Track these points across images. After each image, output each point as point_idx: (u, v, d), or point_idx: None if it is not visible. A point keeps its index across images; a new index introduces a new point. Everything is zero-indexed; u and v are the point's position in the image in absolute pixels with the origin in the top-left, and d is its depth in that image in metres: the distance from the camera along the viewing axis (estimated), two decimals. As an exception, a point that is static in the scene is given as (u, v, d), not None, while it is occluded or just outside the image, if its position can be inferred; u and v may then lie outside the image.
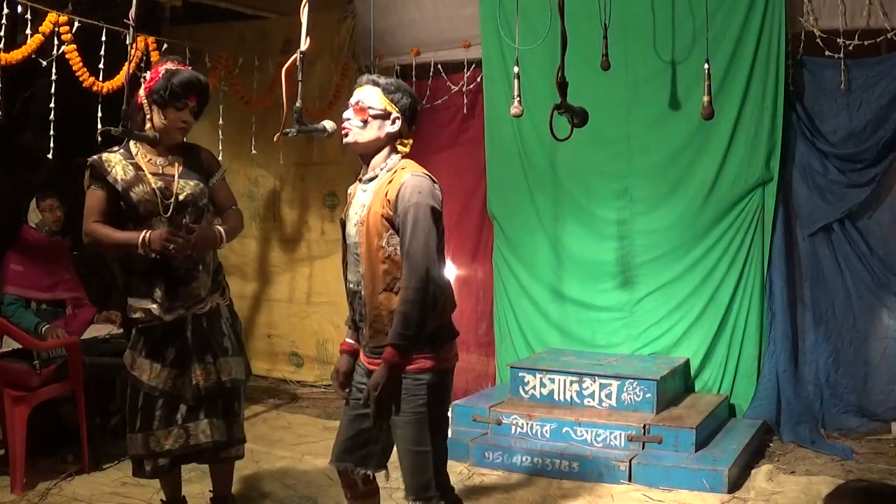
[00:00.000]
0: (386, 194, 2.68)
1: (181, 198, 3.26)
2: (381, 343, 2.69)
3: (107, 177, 3.22)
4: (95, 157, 3.26)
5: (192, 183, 3.32)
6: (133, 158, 3.26)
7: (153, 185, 3.23)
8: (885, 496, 1.58)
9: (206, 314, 3.33)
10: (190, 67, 3.41)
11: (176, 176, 3.28)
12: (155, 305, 3.22)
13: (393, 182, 2.69)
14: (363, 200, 2.78)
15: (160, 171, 3.28)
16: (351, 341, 2.97)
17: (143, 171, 3.25)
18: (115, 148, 3.31)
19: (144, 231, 3.16)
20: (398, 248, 2.67)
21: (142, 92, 3.25)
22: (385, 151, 2.79)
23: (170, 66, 3.26)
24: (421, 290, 2.58)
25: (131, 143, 3.29)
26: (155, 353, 3.25)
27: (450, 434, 4.46)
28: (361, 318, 2.80)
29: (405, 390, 2.68)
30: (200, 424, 3.28)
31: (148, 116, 3.24)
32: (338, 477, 3.06)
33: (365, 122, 2.75)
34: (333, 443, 2.96)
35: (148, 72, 4.64)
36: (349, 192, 2.95)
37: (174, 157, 3.32)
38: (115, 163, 3.24)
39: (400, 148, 2.81)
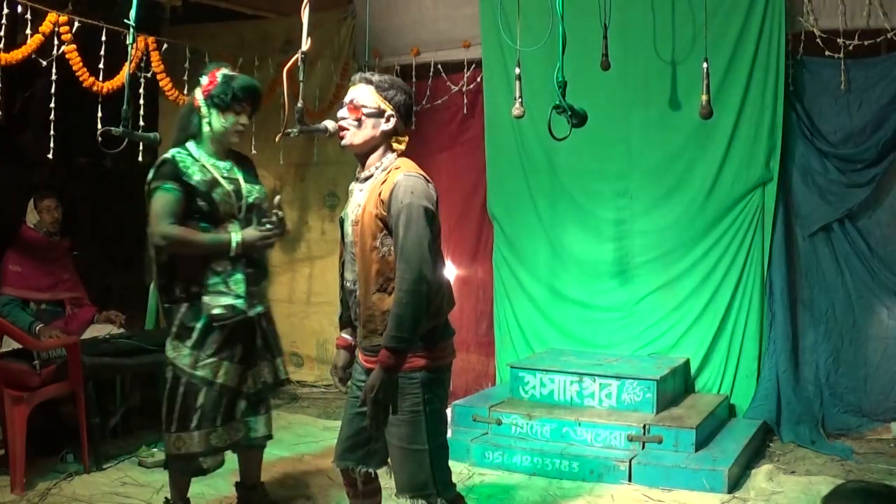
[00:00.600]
0: (380, 194, 2.67)
1: (250, 200, 3.38)
2: (375, 343, 2.69)
3: (183, 177, 3.25)
4: (168, 156, 3.28)
5: (257, 187, 3.45)
6: (198, 161, 3.31)
7: (227, 187, 3.33)
8: (883, 496, 1.58)
9: (265, 314, 3.46)
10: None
11: (241, 179, 3.39)
12: (240, 301, 3.28)
13: (387, 182, 2.68)
14: (359, 200, 2.77)
15: (226, 175, 3.36)
16: (347, 337, 3.01)
17: (214, 173, 3.32)
18: (174, 150, 3.32)
19: (235, 233, 3.27)
20: (392, 248, 2.66)
21: (199, 96, 3.33)
22: (381, 150, 2.78)
23: (225, 71, 3.34)
24: (414, 291, 2.55)
25: (191, 145, 3.34)
26: (223, 351, 3.29)
27: (450, 434, 4.48)
28: (357, 318, 2.80)
29: (399, 389, 2.66)
30: (260, 419, 3.43)
31: (206, 120, 3.32)
32: (337, 477, 3.06)
33: (359, 121, 2.73)
34: (336, 442, 2.96)
35: (148, 72, 4.70)
36: (349, 190, 2.95)
37: (231, 162, 3.42)
38: (190, 164, 3.28)
39: (395, 146, 2.79)
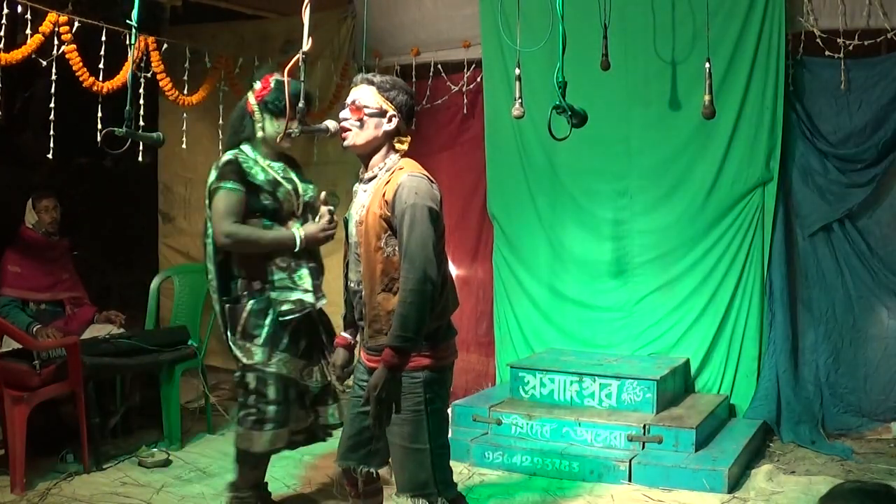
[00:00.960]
0: (383, 195, 2.68)
1: (306, 199, 3.51)
2: (380, 343, 2.70)
3: (247, 177, 3.34)
4: (231, 156, 3.37)
5: (311, 186, 3.57)
6: (258, 162, 3.40)
7: (287, 186, 3.45)
8: (880, 495, 1.58)
9: (321, 310, 3.51)
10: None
11: (296, 179, 3.51)
12: (308, 295, 3.35)
13: (390, 182, 2.69)
14: (363, 201, 2.78)
15: (282, 175, 3.46)
16: (346, 336, 3.05)
17: (273, 173, 3.42)
18: (234, 151, 3.42)
19: (297, 229, 3.39)
20: (396, 248, 2.67)
21: (252, 101, 3.43)
22: (383, 150, 2.79)
23: (278, 76, 3.37)
24: (419, 291, 2.57)
25: (246, 147, 3.42)
26: (292, 346, 3.37)
27: (450, 434, 4.48)
28: (361, 318, 2.80)
29: (404, 389, 2.68)
30: (329, 409, 3.53)
31: (260, 125, 3.42)
32: (338, 477, 3.07)
33: (361, 122, 2.74)
34: (339, 441, 2.95)
35: (148, 72, 4.70)
36: (353, 191, 2.95)
37: (283, 163, 3.51)
38: (252, 164, 3.38)
39: (398, 146, 2.80)
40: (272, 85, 3.39)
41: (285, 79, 3.14)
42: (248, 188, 3.33)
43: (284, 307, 3.33)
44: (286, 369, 3.36)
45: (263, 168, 3.41)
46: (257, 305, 3.34)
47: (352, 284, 2.84)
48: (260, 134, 3.43)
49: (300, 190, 3.50)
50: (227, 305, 3.40)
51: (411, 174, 2.69)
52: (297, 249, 3.35)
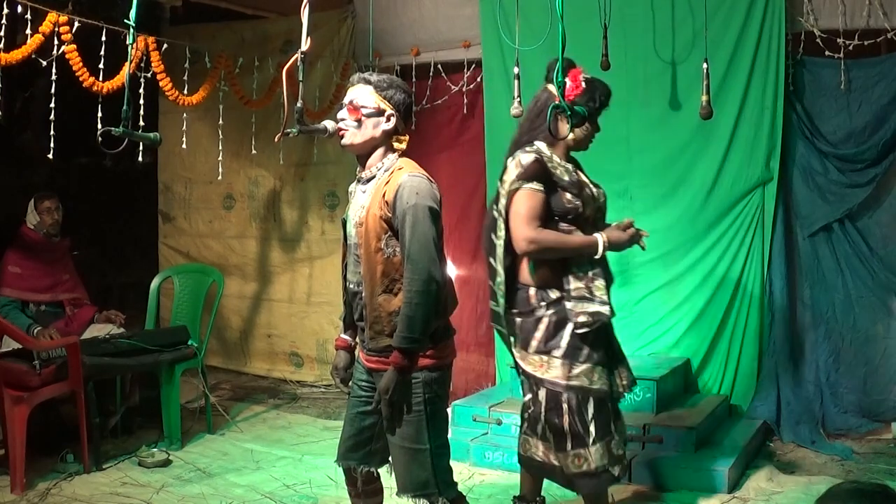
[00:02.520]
0: (384, 195, 2.67)
1: (600, 201, 3.26)
2: (382, 344, 2.70)
3: (553, 177, 3.11)
4: (535, 154, 3.10)
5: (602, 189, 3.31)
6: (552, 161, 3.14)
7: (592, 188, 3.23)
8: (877, 496, 1.58)
9: None
10: None
11: (588, 180, 3.26)
12: (605, 307, 3.11)
13: (390, 183, 2.68)
14: (362, 201, 2.77)
15: (578, 176, 3.22)
16: (346, 337, 3.00)
17: (576, 174, 3.19)
18: (532, 148, 3.14)
19: (600, 233, 3.13)
20: (397, 249, 2.67)
21: (560, 98, 3.07)
22: (381, 150, 2.77)
23: (586, 74, 3.20)
24: (424, 292, 2.58)
25: (541, 145, 3.15)
26: (592, 355, 3.12)
27: (450, 434, 4.47)
28: (361, 319, 2.80)
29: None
30: (621, 423, 3.26)
31: (566, 125, 3.09)
32: (338, 477, 3.07)
33: (359, 122, 2.73)
34: (338, 442, 2.96)
35: (148, 72, 4.70)
36: (349, 191, 2.95)
37: (573, 164, 3.26)
38: (556, 163, 3.14)
39: (396, 145, 2.79)
40: (583, 85, 3.14)
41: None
42: (550, 189, 3.08)
43: (581, 319, 3.07)
44: (589, 380, 3.10)
45: (566, 168, 3.16)
46: (555, 317, 3.09)
47: (351, 286, 2.83)
48: (571, 136, 3.15)
49: (595, 193, 3.24)
50: (518, 319, 3.16)
51: (411, 174, 2.68)
52: (598, 256, 3.09)
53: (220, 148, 5.35)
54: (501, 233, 3.13)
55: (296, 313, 6.43)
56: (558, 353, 3.09)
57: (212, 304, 5.24)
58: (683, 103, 5.01)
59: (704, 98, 4.50)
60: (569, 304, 3.08)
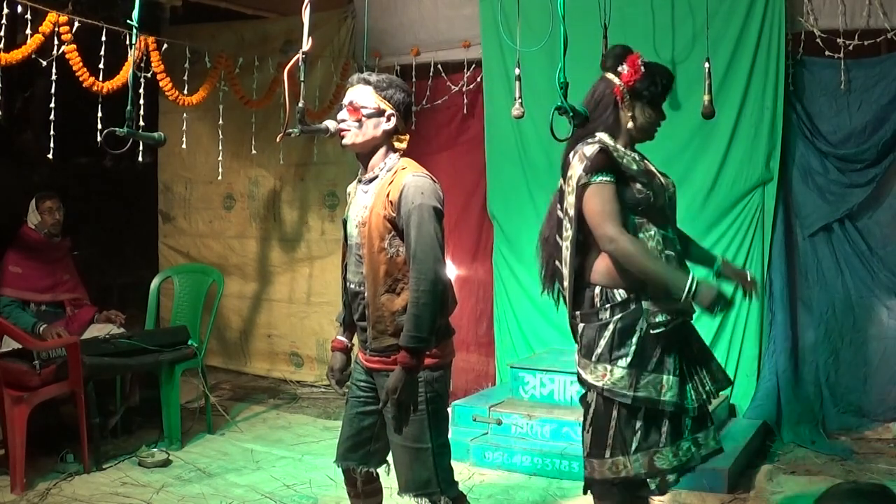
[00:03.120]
0: (387, 195, 2.67)
1: (669, 192, 3.04)
2: (385, 344, 2.71)
3: (621, 167, 2.88)
4: (600, 145, 2.89)
5: (671, 179, 3.11)
6: (617, 151, 2.94)
7: (662, 178, 3.02)
8: (875, 495, 1.58)
9: (693, 319, 3.03)
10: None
11: (656, 170, 3.04)
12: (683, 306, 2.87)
13: (394, 183, 2.68)
14: (365, 201, 2.77)
15: (646, 165, 3.02)
16: (343, 339, 2.99)
17: (643, 165, 2.97)
18: (595, 140, 2.93)
19: (693, 278, 2.87)
20: (400, 249, 2.68)
21: (618, 83, 2.96)
22: (383, 150, 2.78)
23: (644, 58, 3.01)
24: (431, 291, 2.59)
25: (603, 134, 2.95)
26: (663, 364, 2.86)
27: (450, 434, 4.47)
28: (363, 319, 2.79)
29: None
30: (709, 433, 2.95)
31: (630, 114, 2.95)
32: (338, 477, 3.07)
33: (360, 122, 2.73)
34: (337, 442, 2.96)
35: (148, 72, 4.70)
36: (348, 191, 2.95)
37: (639, 155, 3.04)
38: (622, 153, 2.94)
39: (397, 145, 2.80)
40: (642, 69, 2.97)
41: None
42: (620, 179, 2.86)
43: (657, 318, 2.84)
44: (657, 392, 2.84)
45: (633, 158, 2.96)
46: (622, 322, 2.83)
47: (352, 286, 2.83)
48: (630, 124, 2.96)
49: (664, 182, 3.02)
50: (581, 325, 2.92)
51: (415, 174, 2.69)
52: (682, 300, 2.82)
53: (220, 148, 5.34)
54: (568, 233, 2.95)
55: (296, 313, 6.43)
56: (625, 360, 2.82)
57: (212, 304, 5.24)
58: (683, 103, 5.01)
59: (707, 97, 4.50)
60: (645, 304, 2.85)
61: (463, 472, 4.28)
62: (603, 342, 2.85)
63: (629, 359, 2.82)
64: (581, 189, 2.86)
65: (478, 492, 4.09)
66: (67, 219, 5.07)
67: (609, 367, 2.83)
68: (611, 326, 2.84)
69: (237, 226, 6.67)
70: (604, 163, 2.84)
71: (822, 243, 4.94)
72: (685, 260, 3.08)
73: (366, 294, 2.73)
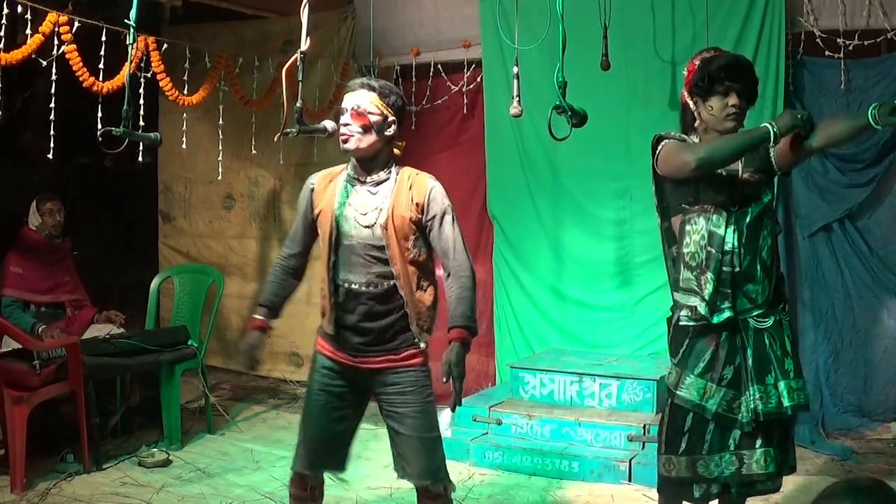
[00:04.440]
0: (412, 199, 2.81)
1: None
2: (423, 340, 2.85)
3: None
4: (669, 133, 2.97)
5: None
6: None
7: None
8: (872, 490, 1.58)
9: (769, 329, 2.91)
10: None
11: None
12: (703, 304, 2.84)
13: (416, 187, 2.83)
14: (375, 203, 2.83)
15: None
16: (265, 319, 3.08)
17: None
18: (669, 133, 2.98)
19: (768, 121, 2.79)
20: (423, 249, 2.86)
21: (684, 91, 3.04)
22: (384, 154, 2.86)
23: (705, 55, 3.05)
24: (472, 277, 2.85)
25: (693, 138, 2.96)
26: (711, 370, 2.85)
27: (449, 434, 4.49)
28: (363, 320, 2.84)
29: (415, 382, 2.84)
30: (756, 453, 2.87)
31: (696, 112, 2.96)
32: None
33: (365, 127, 2.79)
34: (300, 450, 2.95)
35: (148, 72, 4.70)
36: (325, 189, 2.93)
37: None
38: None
39: (395, 150, 2.90)
40: (696, 65, 2.99)
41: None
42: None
43: (682, 312, 2.89)
44: (699, 396, 2.84)
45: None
46: (675, 318, 2.94)
47: (353, 286, 2.86)
48: (697, 122, 2.97)
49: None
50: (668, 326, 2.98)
51: (432, 179, 2.88)
52: (772, 143, 2.75)
53: (220, 148, 5.34)
54: (660, 220, 3.11)
55: (296, 313, 6.38)
56: (676, 358, 2.91)
57: (212, 304, 5.24)
58: (683, 103, 5.01)
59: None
60: (676, 296, 2.92)
61: (463, 472, 4.28)
62: (670, 333, 3.00)
63: (678, 357, 2.91)
64: (655, 156, 2.97)
65: (478, 492, 4.09)
66: (67, 219, 5.07)
67: (671, 361, 2.95)
68: (675, 317, 2.96)
69: (237, 226, 6.67)
70: (673, 134, 2.98)
71: (822, 243, 4.94)
72: None
73: (401, 292, 2.82)
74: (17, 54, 4.00)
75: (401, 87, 5.79)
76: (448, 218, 2.85)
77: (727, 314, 2.84)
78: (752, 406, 2.83)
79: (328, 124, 2.87)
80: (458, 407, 2.76)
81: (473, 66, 5.69)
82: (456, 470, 4.15)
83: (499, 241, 5.67)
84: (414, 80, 5.75)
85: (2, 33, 3.93)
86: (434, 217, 2.84)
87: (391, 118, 2.83)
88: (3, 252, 4.92)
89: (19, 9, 4.02)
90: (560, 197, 5.46)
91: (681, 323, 2.90)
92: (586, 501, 4.02)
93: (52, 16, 4.15)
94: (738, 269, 2.84)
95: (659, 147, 2.95)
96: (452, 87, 5.76)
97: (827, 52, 4.75)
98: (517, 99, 4.45)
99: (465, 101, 5.73)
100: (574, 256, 5.45)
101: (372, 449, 4.41)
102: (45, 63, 4.15)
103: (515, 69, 4.46)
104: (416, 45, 5.83)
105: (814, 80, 4.89)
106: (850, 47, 4.68)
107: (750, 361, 2.86)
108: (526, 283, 5.57)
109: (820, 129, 2.79)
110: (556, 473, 4.29)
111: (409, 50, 5.85)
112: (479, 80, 5.66)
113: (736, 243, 2.84)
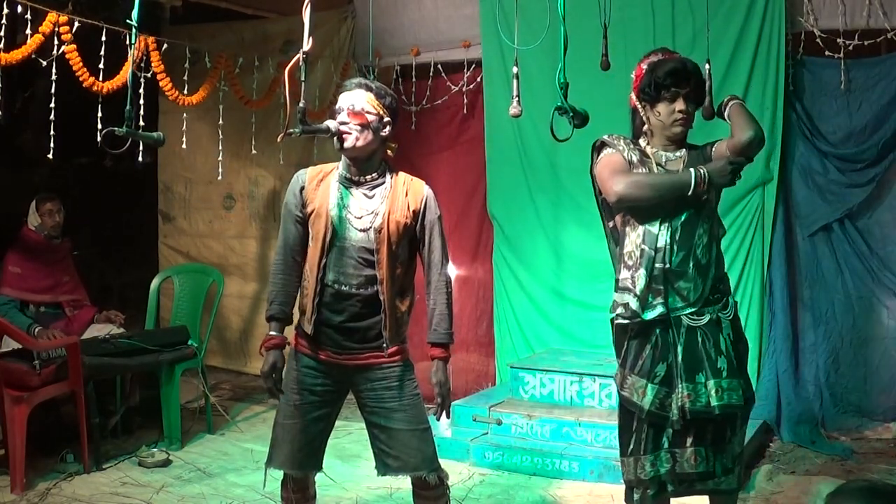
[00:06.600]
0: (408, 205, 2.84)
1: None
2: (395, 343, 2.86)
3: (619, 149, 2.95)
4: (604, 137, 3.02)
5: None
6: (623, 142, 3.00)
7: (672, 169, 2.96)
8: (888, 494, 1.58)
9: (704, 327, 2.84)
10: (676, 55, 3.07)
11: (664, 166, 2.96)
12: (634, 300, 2.84)
13: (412, 193, 2.86)
14: (370, 206, 2.84)
15: (668, 162, 2.97)
16: (281, 335, 3.03)
17: (650, 159, 2.95)
18: (617, 136, 3.01)
19: (695, 169, 2.85)
20: (408, 257, 2.89)
21: (633, 95, 3.04)
22: (378, 156, 2.90)
23: (652, 58, 3.02)
24: (451, 292, 2.93)
25: (641, 141, 3.00)
26: (647, 370, 2.84)
27: (449, 434, 4.49)
28: (352, 320, 2.85)
29: (401, 376, 2.88)
30: (686, 452, 2.84)
31: (645, 117, 2.99)
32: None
33: (363, 126, 2.81)
34: (281, 450, 2.97)
35: (148, 72, 4.70)
36: (317, 188, 2.93)
37: (679, 153, 3.00)
38: (623, 144, 2.99)
39: (389, 152, 2.93)
40: (644, 69, 3.00)
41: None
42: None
43: (618, 311, 2.90)
44: (638, 396, 2.83)
45: (634, 149, 2.97)
46: (616, 320, 2.93)
47: (344, 287, 2.84)
48: (645, 127, 3.00)
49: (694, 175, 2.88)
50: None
51: (427, 186, 2.91)
52: (690, 192, 2.77)
53: (220, 148, 5.34)
54: (603, 220, 3.11)
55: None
56: (619, 359, 2.92)
57: (212, 304, 5.24)
58: (683, 104, 5.01)
59: (707, 99, 4.49)
60: (615, 295, 2.93)
61: (463, 472, 4.29)
62: (613, 338, 3.00)
63: (621, 357, 2.92)
64: (592, 166, 3.00)
65: (478, 492, 4.09)
66: (67, 219, 5.07)
67: (617, 363, 2.97)
68: (613, 322, 2.97)
69: (237, 226, 6.67)
70: (603, 144, 3.01)
71: (822, 243, 4.94)
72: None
73: (381, 297, 2.82)
74: (17, 54, 4.00)
75: (401, 87, 5.81)
76: (437, 229, 2.90)
77: (659, 310, 2.82)
78: (679, 404, 2.80)
79: (331, 124, 2.87)
80: (443, 417, 2.86)
81: (473, 66, 5.69)
82: (456, 470, 4.15)
83: (499, 241, 5.67)
84: (414, 80, 5.75)
85: (2, 33, 3.93)
86: (426, 226, 2.89)
87: (386, 118, 2.86)
88: (3, 252, 4.91)
89: (19, 9, 4.02)
90: (560, 197, 5.46)
91: (617, 322, 2.92)
92: (586, 501, 4.02)
93: (52, 16, 4.15)
94: (668, 265, 2.82)
95: (598, 157, 2.99)
96: (452, 87, 5.76)
97: (827, 52, 4.76)
98: (517, 99, 4.44)
99: (465, 101, 5.73)
100: (574, 256, 5.45)
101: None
102: (45, 63, 4.15)
103: (515, 69, 4.45)
104: (415, 45, 5.84)
105: (814, 80, 4.89)
106: (850, 47, 4.68)
107: (679, 359, 2.83)
108: (526, 283, 5.57)
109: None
110: (556, 473, 4.29)
111: (409, 50, 5.85)
112: (479, 80, 5.66)
113: (668, 240, 2.83)
